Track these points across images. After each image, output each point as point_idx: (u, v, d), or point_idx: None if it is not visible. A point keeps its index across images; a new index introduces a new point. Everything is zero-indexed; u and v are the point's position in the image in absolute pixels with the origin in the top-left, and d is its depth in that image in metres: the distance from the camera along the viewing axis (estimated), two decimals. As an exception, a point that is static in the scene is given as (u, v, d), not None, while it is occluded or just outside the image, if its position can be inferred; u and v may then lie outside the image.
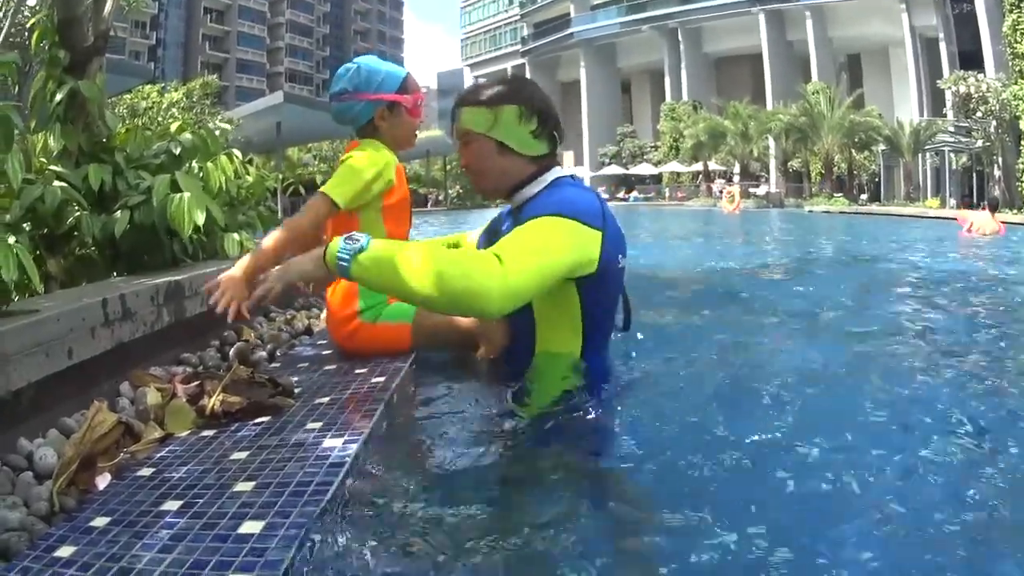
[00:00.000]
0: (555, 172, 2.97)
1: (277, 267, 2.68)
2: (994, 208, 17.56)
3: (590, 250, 2.68)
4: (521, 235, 2.57)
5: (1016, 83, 35.37)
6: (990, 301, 5.91)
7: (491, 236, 3.19)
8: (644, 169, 73.70)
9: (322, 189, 3.03)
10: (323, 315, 3.65)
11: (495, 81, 3.02)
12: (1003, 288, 6.88)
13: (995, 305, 5.69)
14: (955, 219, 19.72)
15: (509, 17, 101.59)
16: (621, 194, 72.61)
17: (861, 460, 2.15)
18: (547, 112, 2.96)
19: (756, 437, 2.31)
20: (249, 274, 2.79)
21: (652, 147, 77.00)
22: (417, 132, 3.52)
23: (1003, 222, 17.32)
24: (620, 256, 2.84)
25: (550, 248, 2.57)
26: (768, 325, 4.32)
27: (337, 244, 2.48)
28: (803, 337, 4.00)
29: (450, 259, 2.44)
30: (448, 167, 61.91)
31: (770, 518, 1.80)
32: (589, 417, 2.58)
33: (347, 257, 2.43)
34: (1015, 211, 28.56)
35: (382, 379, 2.76)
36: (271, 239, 2.91)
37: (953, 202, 43.03)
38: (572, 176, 3.02)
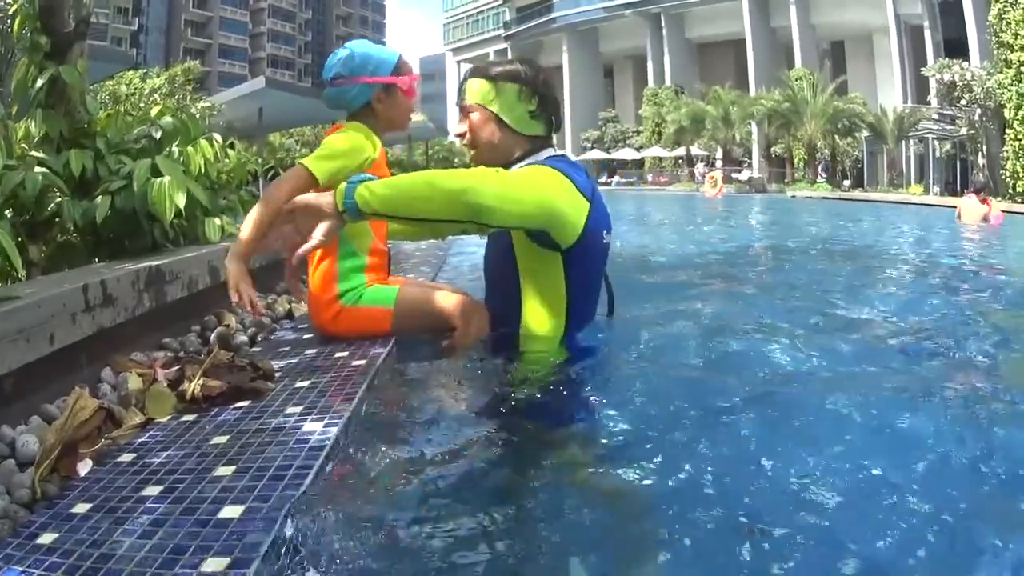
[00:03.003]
0: (548, 152, 3.05)
1: (286, 225, 2.72)
2: (978, 192, 16.84)
3: (577, 212, 2.79)
4: (517, 171, 2.78)
5: (1001, 71, 35.41)
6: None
7: None
8: (626, 154, 73.71)
9: (302, 161, 3.04)
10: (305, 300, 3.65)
11: (506, 60, 3.13)
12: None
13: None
14: (952, 206, 19.24)
15: (492, 2, 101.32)
16: (603, 179, 72.65)
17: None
18: (547, 95, 3.05)
19: (741, 423, 2.33)
20: (245, 257, 2.86)
21: (634, 132, 77.04)
22: (411, 113, 3.55)
23: (1003, 211, 16.67)
24: (605, 232, 2.95)
25: (543, 183, 2.72)
26: (754, 312, 4.33)
27: (342, 191, 2.58)
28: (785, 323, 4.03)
29: (451, 171, 2.62)
30: (430, 152, 61.81)
31: (756, 505, 1.81)
32: (571, 397, 2.62)
33: (355, 182, 2.57)
34: (999, 199, 28.63)
35: (363, 363, 2.77)
36: (252, 218, 2.91)
37: (936, 189, 43.19)
38: (564, 155, 3.07)
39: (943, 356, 3.34)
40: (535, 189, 2.69)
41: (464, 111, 3.12)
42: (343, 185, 2.61)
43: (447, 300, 3.22)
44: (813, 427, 2.25)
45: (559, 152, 3.10)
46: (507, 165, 3.00)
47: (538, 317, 2.99)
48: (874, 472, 1.93)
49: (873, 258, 8.67)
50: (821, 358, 3.00)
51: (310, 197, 2.67)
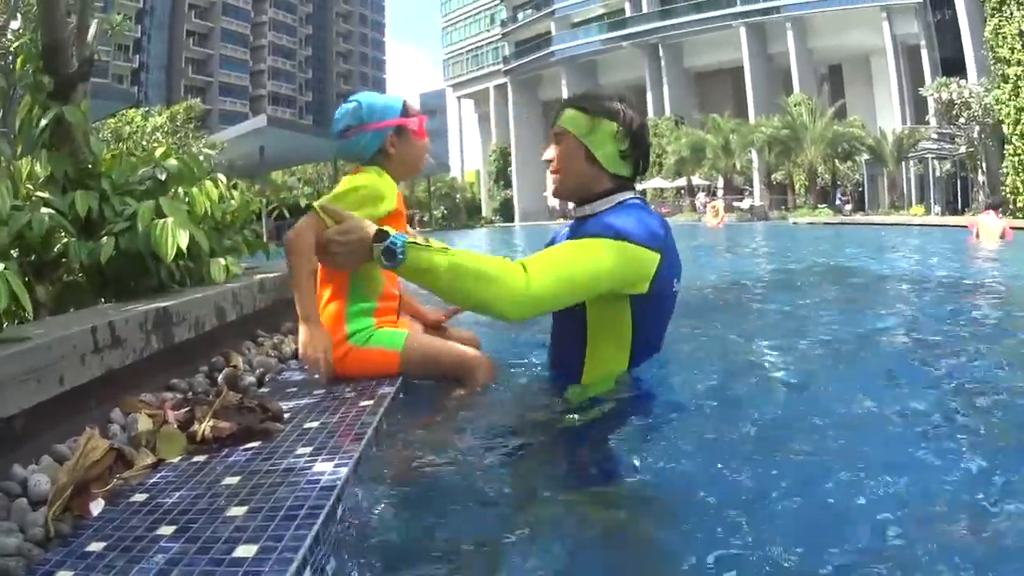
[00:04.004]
0: (627, 195, 3.10)
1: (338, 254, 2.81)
2: (996, 208, 16.63)
3: (639, 269, 2.84)
4: (558, 250, 2.82)
5: (999, 87, 35.56)
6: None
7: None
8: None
9: (321, 204, 3.06)
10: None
11: (606, 95, 3.15)
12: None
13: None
14: (966, 226, 18.91)
15: (491, 36, 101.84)
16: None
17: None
18: (641, 139, 3.09)
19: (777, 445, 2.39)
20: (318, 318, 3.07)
21: (636, 164, 77.13)
22: (426, 153, 3.61)
23: (1011, 227, 16.51)
24: (675, 280, 3.00)
25: (578, 265, 2.76)
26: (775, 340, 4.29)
27: (378, 252, 2.67)
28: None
29: (478, 267, 2.66)
30: (432, 188, 61.95)
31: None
32: (609, 441, 2.61)
33: (391, 266, 2.67)
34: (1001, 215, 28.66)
35: (371, 403, 2.79)
36: (299, 279, 3.07)
37: (938, 209, 43.25)
38: (640, 198, 3.13)
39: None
40: (561, 283, 2.74)
41: (556, 137, 3.16)
42: (378, 250, 2.68)
43: (455, 351, 3.26)
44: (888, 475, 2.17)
45: (636, 197, 3.13)
46: (587, 199, 3.10)
47: (602, 350, 3.04)
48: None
49: (948, 287, 8.04)
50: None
51: (349, 230, 2.77)
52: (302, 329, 3.01)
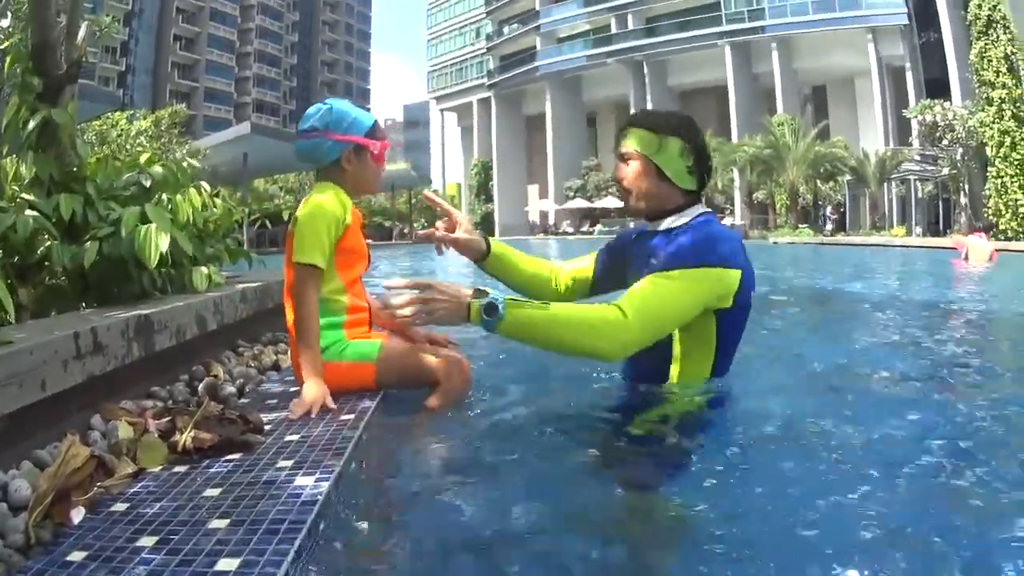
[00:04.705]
0: (698, 209, 3.23)
1: (418, 309, 2.87)
2: (986, 231, 17.03)
3: (726, 289, 3.01)
4: (651, 287, 2.92)
5: (983, 109, 35.88)
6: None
7: (614, 254, 3.59)
8: (609, 202, 73.99)
9: (300, 260, 3.12)
10: (290, 352, 3.67)
11: (665, 113, 3.27)
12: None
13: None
14: (954, 247, 19.10)
15: (475, 50, 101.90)
16: (585, 227, 72.94)
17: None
18: (705, 154, 3.23)
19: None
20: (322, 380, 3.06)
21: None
22: (380, 179, 3.63)
23: (996, 249, 16.84)
24: (752, 290, 3.13)
25: (673, 299, 2.91)
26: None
27: (478, 308, 2.78)
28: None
29: (578, 317, 2.82)
30: (413, 201, 61.88)
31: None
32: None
33: (492, 322, 2.77)
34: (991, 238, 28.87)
35: (351, 417, 2.80)
36: (308, 340, 3.10)
37: (919, 230, 43.53)
38: (712, 214, 3.26)
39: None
40: (663, 325, 2.93)
41: (623, 157, 3.25)
42: (478, 308, 2.79)
43: (431, 357, 3.26)
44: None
45: (707, 209, 3.26)
46: (660, 215, 3.22)
47: (687, 370, 3.18)
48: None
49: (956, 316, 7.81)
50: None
51: (446, 287, 2.88)
52: (312, 383, 2.99)
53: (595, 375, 3.61)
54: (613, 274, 3.51)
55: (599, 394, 3.42)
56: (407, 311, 2.84)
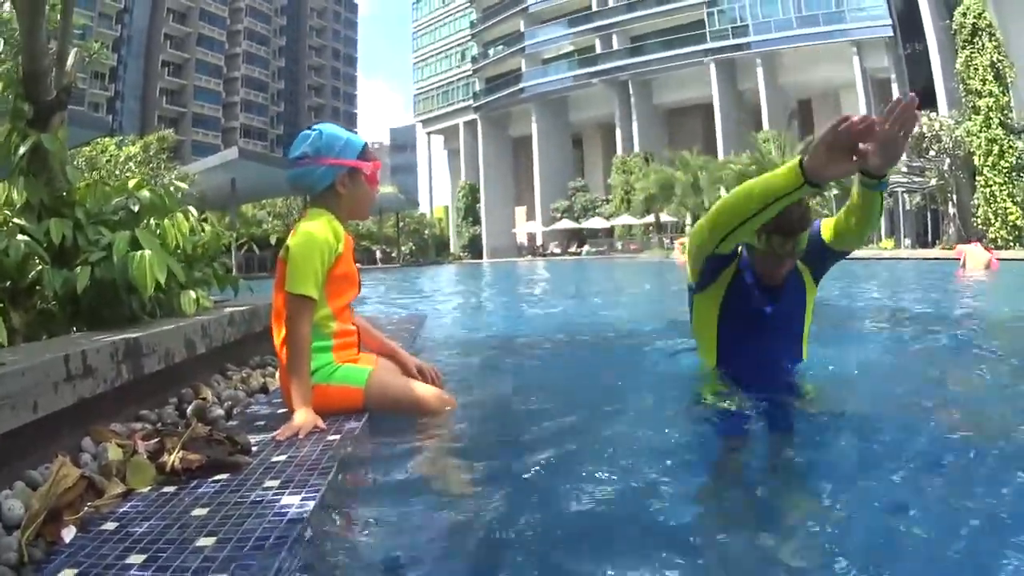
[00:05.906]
0: None
1: None
2: (980, 240, 17.19)
3: None
4: None
5: (970, 119, 36.00)
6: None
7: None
8: (596, 223, 74.13)
9: (293, 291, 3.15)
10: (278, 374, 3.70)
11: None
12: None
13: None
14: (955, 257, 18.99)
15: (461, 72, 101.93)
16: (573, 248, 72.93)
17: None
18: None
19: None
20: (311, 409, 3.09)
21: (604, 201, 77.47)
22: (374, 201, 3.64)
23: (998, 259, 16.99)
24: None
25: None
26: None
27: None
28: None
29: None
30: (400, 224, 61.78)
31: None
32: None
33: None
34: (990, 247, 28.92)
35: (337, 437, 2.85)
36: (301, 373, 3.14)
37: (908, 242, 43.59)
38: None
39: None
40: None
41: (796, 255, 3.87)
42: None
43: (420, 389, 3.32)
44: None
45: None
46: None
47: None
48: None
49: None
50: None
51: None
52: (303, 412, 3.02)
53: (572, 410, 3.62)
54: None
55: (584, 423, 3.42)
56: None
